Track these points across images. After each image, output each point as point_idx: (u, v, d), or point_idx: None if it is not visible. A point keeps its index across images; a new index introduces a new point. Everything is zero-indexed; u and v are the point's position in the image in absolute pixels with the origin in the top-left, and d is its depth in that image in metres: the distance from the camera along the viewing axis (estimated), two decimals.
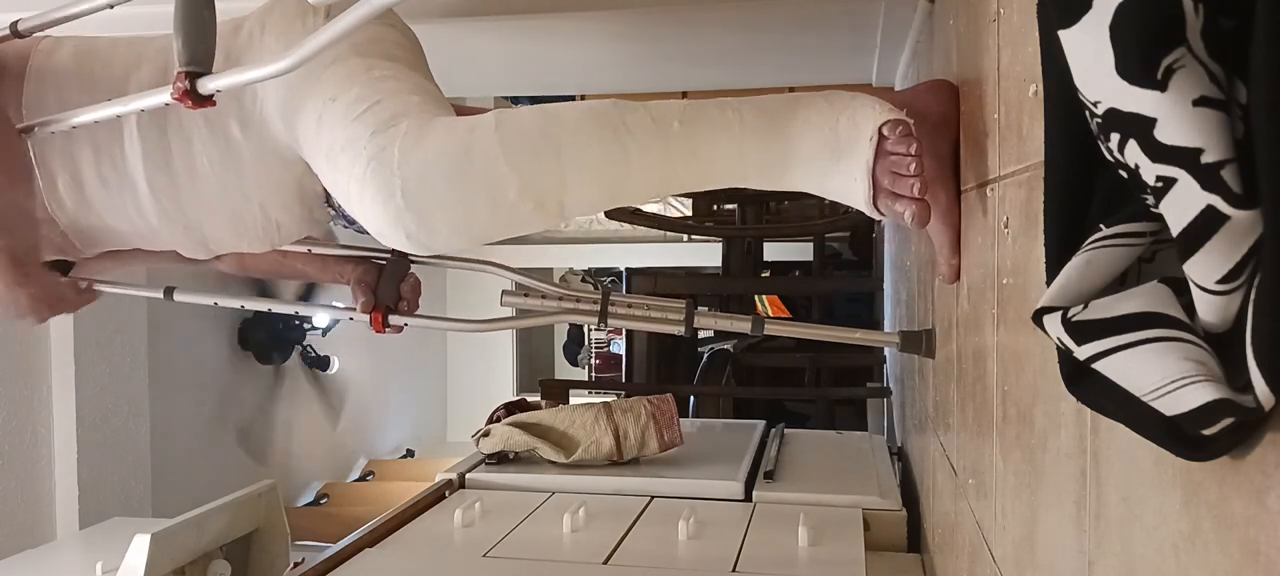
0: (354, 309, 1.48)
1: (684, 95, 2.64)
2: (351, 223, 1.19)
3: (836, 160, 0.99)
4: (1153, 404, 0.41)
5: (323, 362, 4.75)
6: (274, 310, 1.66)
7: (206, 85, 0.93)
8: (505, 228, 1.04)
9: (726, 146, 1.00)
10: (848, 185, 1.00)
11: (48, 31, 1.22)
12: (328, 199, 1.24)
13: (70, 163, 1.17)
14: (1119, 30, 0.39)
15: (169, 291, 1.55)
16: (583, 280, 7.65)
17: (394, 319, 1.48)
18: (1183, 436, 0.41)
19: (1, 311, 1.24)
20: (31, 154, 1.17)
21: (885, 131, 0.96)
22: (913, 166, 0.95)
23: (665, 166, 1.01)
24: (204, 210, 1.20)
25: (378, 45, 1.11)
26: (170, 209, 1.20)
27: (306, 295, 4.08)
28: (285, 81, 1.07)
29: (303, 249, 1.50)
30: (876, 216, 1.01)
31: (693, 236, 5.20)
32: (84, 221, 1.23)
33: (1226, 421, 0.37)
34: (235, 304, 1.60)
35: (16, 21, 1.20)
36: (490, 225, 1.02)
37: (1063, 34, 0.42)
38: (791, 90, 2.65)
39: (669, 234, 5.25)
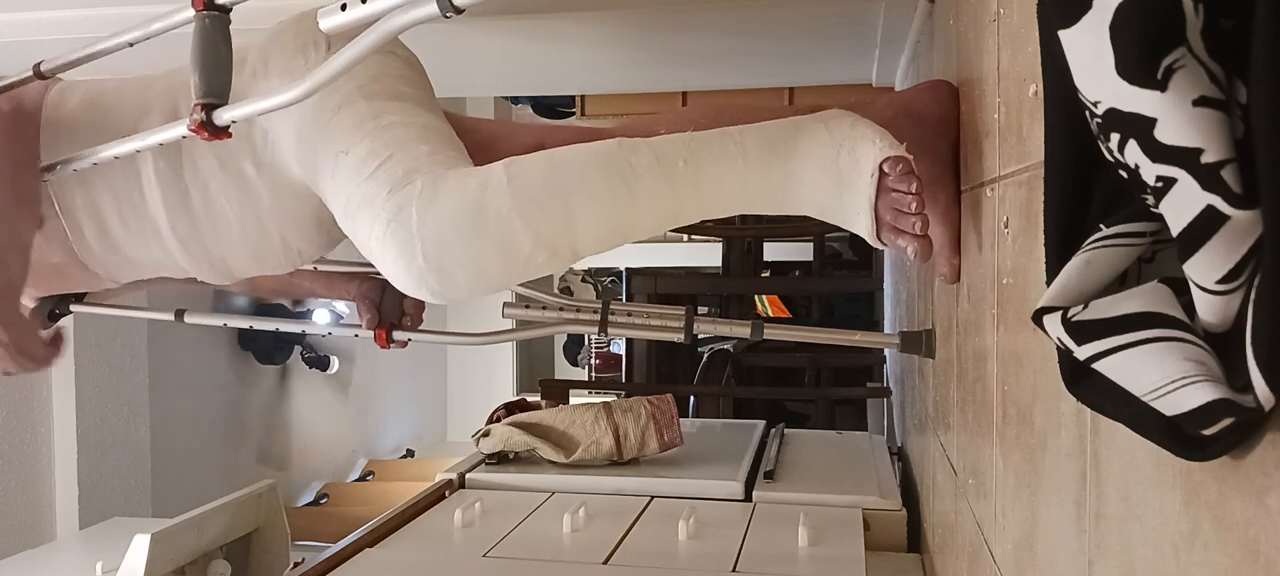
0: (359, 326, 1.50)
1: (684, 98, 2.65)
2: None
3: (839, 195, 1.03)
4: (1153, 404, 0.41)
5: (322, 363, 4.75)
6: (282, 330, 1.68)
7: (222, 116, 0.95)
8: (521, 277, 1.08)
9: (731, 182, 1.04)
10: (851, 218, 1.04)
11: (62, 75, 1.23)
12: None
13: (93, 211, 1.20)
14: (1119, 30, 0.38)
15: (180, 313, 1.62)
16: (583, 280, 7.65)
17: (398, 335, 1.50)
18: (1183, 436, 0.40)
19: None
20: (56, 204, 1.19)
21: (886, 168, 1.00)
22: (914, 205, 0.99)
23: (672, 204, 1.05)
24: (226, 246, 1.23)
25: (382, 83, 1.12)
26: (194, 248, 1.23)
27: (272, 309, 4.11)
28: (294, 125, 1.10)
29: (308, 267, 1.52)
30: (879, 247, 1.05)
31: (693, 236, 5.21)
32: (113, 259, 1.26)
33: (1226, 421, 0.37)
34: (244, 324, 1.64)
35: (40, 63, 1.21)
36: (506, 277, 1.06)
37: (1062, 34, 0.42)
38: (792, 93, 2.66)
39: (669, 234, 5.25)
